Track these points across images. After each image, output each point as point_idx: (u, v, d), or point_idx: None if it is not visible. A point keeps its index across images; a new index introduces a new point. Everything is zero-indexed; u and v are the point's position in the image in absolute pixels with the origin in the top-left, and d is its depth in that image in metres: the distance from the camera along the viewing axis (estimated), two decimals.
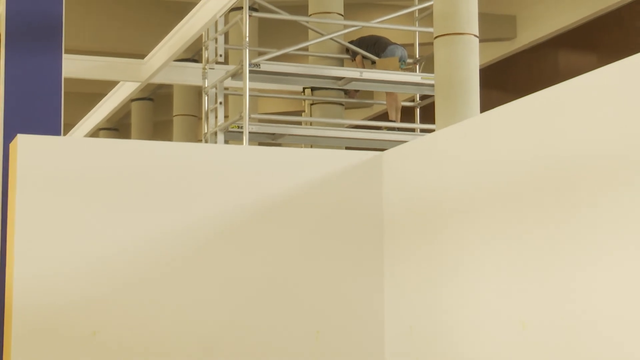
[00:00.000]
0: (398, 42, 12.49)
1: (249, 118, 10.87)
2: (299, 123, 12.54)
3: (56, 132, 7.71)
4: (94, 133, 18.24)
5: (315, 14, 13.04)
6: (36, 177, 6.88)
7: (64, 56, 7.97)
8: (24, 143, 6.79)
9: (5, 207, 7.05)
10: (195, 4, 11.22)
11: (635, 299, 4.58)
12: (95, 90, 17.25)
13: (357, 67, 12.07)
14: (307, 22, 12.56)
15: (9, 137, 7.36)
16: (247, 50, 10.96)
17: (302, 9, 13.59)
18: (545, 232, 5.68)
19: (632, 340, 4.68)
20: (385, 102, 13.06)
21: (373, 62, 12.07)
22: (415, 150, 7.61)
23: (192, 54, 14.48)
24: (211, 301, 7.33)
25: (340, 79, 11.91)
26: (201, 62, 12.21)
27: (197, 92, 16.61)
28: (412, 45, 12.56)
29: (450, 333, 6.73)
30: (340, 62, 12.49)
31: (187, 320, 7.28)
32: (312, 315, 7.47)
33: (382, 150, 8.47)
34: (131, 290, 7.23)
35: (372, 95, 13.32)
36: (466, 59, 10.60)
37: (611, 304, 4.86)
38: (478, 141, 6.54)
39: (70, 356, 7.00)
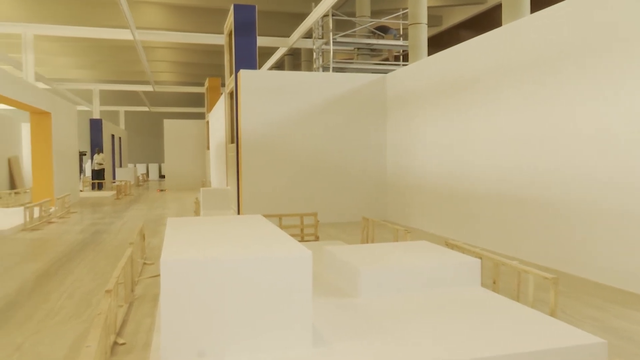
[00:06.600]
0: (393, 28, 12.23)
1: (332, 61, 11.02)
2: (352, 63, 12.49)
3: (254, 68, 7.91)
4: (270, 68, 18.13)
5: (359, 16, 12.78)
6: (248, 87, 7.10)
7: (258, 38, 7.97)
8: (243, 73, 7.15)
9: (237, 101, 7.38)
10: (308, 13, 11.07)
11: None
12: (269, 51, 17.19)
13: (377, 39, 11.90)
14: (356, 19, 12.34)
15: (237, 70, 7.60)
16: (331, 33, 11.03)
17: (353, 14, 13.22)
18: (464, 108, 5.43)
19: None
20: (387, 54, 12.84)
21: (383, 37, 11.89)
22: (401, 73, 7.14)
23: (307, 35, 14.27)
24: (314, 133, 7.24)
25: (369, 44, 11.83)
26: (312, 38, 12.18)
27: (310, 51, 16.40)
28: (399, 29, 12.26)
29: (416, 149, 6.62)
30: (369, 37, 12.28)
31: (311, 138, 7.16)
32: (359, 141, 7.41)
33: (387, 73, 8.46)
34: (283, 134, 7.09)
35: (382, 50, 13.07)
36: (422, 34, 10.45)
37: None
38: (428, 67, 6.30)
39: (268, 159, 7.00)
